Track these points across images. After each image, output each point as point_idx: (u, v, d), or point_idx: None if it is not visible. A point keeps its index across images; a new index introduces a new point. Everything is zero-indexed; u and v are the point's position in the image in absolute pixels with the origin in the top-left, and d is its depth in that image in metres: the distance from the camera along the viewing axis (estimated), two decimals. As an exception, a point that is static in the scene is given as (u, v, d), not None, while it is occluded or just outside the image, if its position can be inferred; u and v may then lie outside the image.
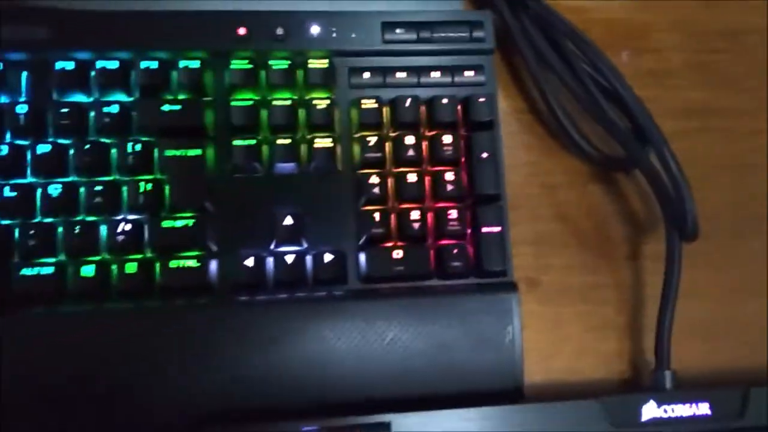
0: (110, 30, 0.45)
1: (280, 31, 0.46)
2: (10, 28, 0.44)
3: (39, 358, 0.41)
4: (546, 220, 0.50)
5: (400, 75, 0.47)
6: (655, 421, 0.43)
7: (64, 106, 0.43)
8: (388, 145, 0.46)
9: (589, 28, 0.49)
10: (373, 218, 0.44)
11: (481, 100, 0.46)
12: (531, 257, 0.49)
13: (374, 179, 0.45)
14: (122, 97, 0.45)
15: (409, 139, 0.45)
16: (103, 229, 0.43)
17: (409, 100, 0.46)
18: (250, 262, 0.43)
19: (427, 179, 0.46)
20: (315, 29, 0.46)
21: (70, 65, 0.44)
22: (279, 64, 0.45)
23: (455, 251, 0.45)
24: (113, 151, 0.44)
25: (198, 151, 0.44)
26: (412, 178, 0.45)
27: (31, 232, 0.42)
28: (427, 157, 0.46)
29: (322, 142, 0.45)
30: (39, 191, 0.43)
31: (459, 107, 0.47)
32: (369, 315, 0.43)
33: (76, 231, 0.42)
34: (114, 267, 0.42)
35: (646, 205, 0.50)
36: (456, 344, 0.44)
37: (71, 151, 0.43)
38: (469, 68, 0.48)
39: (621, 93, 0.44)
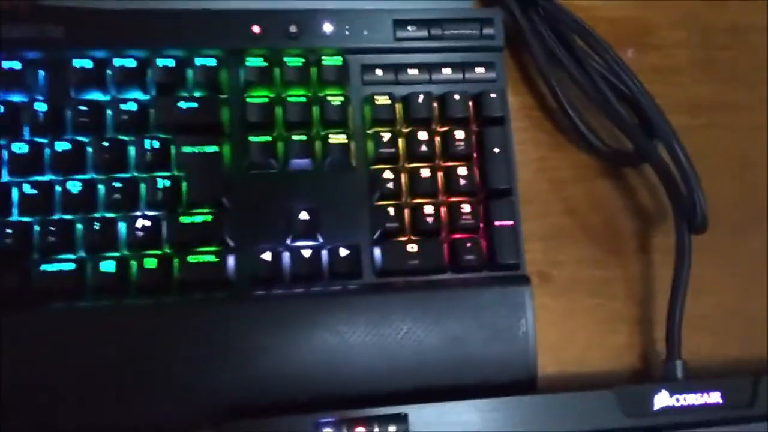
0: (126, 29, 0.46)
1: (293, 29, 0.47)
2: (27, 27, 0.45)
3: (59, 352, 0.41)
4: (556, 215, 0.51)
5: (412, 72, 0.48)
6: (667, 410, 0.43)
7: (82, 103, 0.44)
8: (401, 141, 0.47)
9: (595, 26, 0.49)
10: (388, 213, 0.45)
11: (493, 95, 0.47)
12: (542, 252, 0.50)
13: (388, 174, 0.45)
14: (139, 95, 0.45)
15: (422, 135, 0.46)
16: (122, 226, 0.43)
17: (421, 97, 0.46)
18: (267, 256, 0.44)
19: (439, 174, 0.46)
20: (328, 27, 0.47)
21: (87, 63, 0.44)
22: (293, 61, 0.46)
23: (468, 245, 0.45)
24: (131, 148, 0.44)
25: (215, 148, 0.44)
26: (425, 173, 0.46)
27: (51, 228, 0.42)
28: (440, 152, 0.47)
29: (337, 139, 0.45)
30: (58, 188, 0.43)
31: (470, 103, 0.47)
32: (384, 308, 0.44)
33: (96, 227, 0.43)
34: (133, 263, 0.43)
35: (654, 199, 0.51)
36: (470, 337, 0.44)
37: (89, 149, 0.44)
38: (479, 65, 0.48)
39: (631, 87, 0.45)
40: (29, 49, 0.45)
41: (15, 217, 0.43)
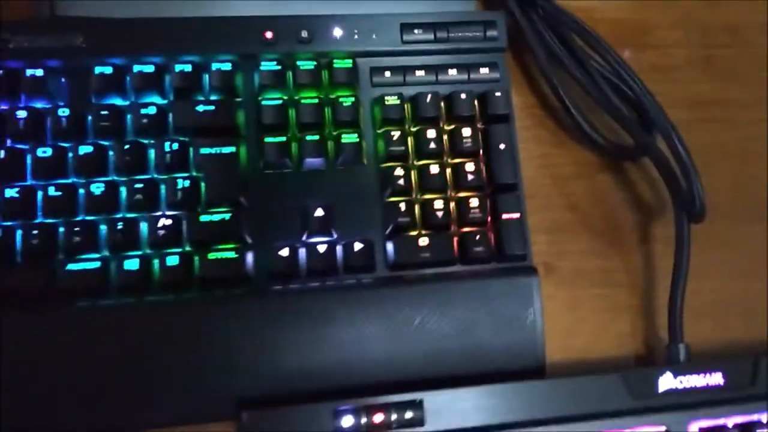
0: (142, 37, 0.47)
1: (304, 34, 0.48)
2: (48, 37, 0.46)
3: (84, 350, 0.43)
4: (559, 209, 0.52)
5: (419, 73, 0.50)
6: (672, 392, 0.45)
7: (103, 108, 0.46)
8: (410, 140, 0.48)
9: (594, 27, 0.51)
10: (399, 208, 0.47)
11: (498, 94, 0.49)
12: (546, 245, 0.51)
13: (399, 171, 0.47)
14: (157, 99, 0.47)
15: (431, 133, 0.48)
16: (144, 226, 0.45)
17: (429, 96, 0.48)
18: (284, 252, 0.45)
19: (447, 170, 0.48)
20: (338, 31, 0.49)
21: (108, 70, 0.46)
22: (305, 65, 0.48)
23: (477, 238, 0.47)
24: (151, 150, 0.46)
25: (232, 149, 0.46)
26: (434, 169, 0.47)
27: (75, 229, 0.44)
28: (448, 149, 0.49)
29: (349, 138, 0.47)
30: (81, 190, 0.45)
31: (476, 102, 0.49)
32: (397, 300, 0.46)
33: (119, 227, 0.44)
34: (155, 261, 0.44)
35: (653, 191, 0.53)
36: (480, 326, 0.46)
37: (111, 152, 0.45)
38: (484, 65, 0.50)
39: (630, 85, 0.47)
40: (51, 57, 0.46)
41: (40, 219, 0.44)
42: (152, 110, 0.46)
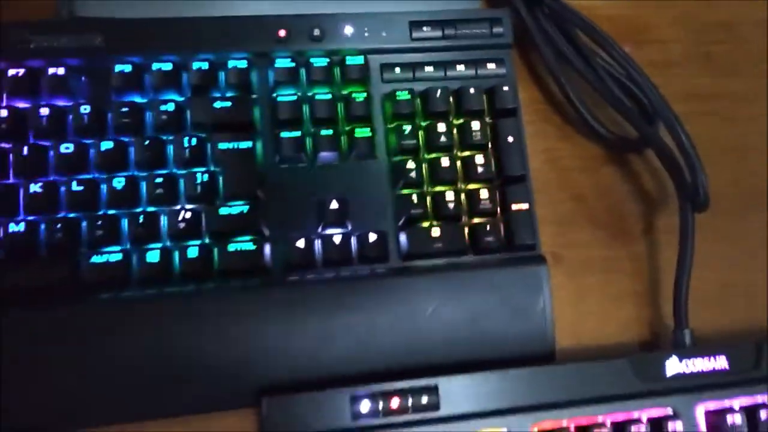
0: (159, 36, 0.49)
1: (317, 32, 0.50)
2: (68, 37, 0.48)
3: (107, 341, 0.44)
4: (565, 201, 0.54)
5: (428, 69, 0.51)
6: (678, 376, 0.46)
7: (123, 105, 0.47)
8: (420, 134, 0.50)
9: (595, 24, 0.53)
10: (411, 200, 0.48)
11: (505, 89, 0.50)
12: (553, 236, 0.53)
13: (410, 164, 0.48)
14: (174, 96, 0.48)
15: (441, 127, 0.49)
16: (164, 219, 0.46)
17: (439, 91, 0.50)
18: (300, 243, 0.46)
19: (458, 163, 0.49)
20: (348, 29, 0.50)
21: (127, 68, 0.47)
22: (318, 61, 0.49)
23: (488, 228, 0.48)
24: (169, 146, 0.47)
25: (249, 144, 0.47)
26: (445, 162, 0.49)
27: (98, 223, 0.45)
28: (457, 142, 0.50)
29: (361, 133, 0.49)
30: (103, 185, 0.46)
31: (484, 97, 0.51)
32: (410, 289, 0.47)
33: (140, 221, 0.45)
34: (176, 253, 0.45)
35: (657, 183, 0.54)
36: (492, 314, 0.47)
37: (131, 148, 0.47)
38: (491, 61, 0.52)
39: (635, 77, 0.48)
40: (71, 57, 0.47)
41: (63, 213, 0.45)
42: (171, 107, 0.47)
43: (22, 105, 0.46)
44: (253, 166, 0.47)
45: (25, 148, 0.45)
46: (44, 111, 0.46)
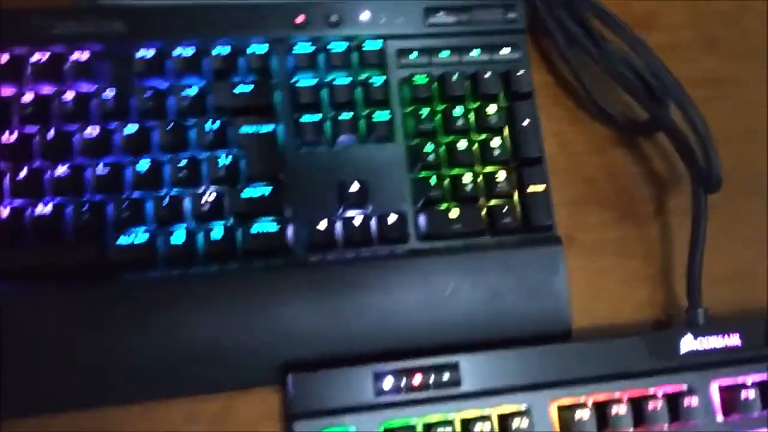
0: (180, 22, 0.49)
1: (334, 18, 0.51)
2: (90, 23, 0.48)
3: (134, 320, 0.45)
4: (576, 184, 0.55)
5: (444, 54, 0.52)
6: (692, 353, 0.47)
7: (145, 90, 0.47)
8: (437, 117, 0.50)
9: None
10: (429, 182, 0.49)
11: (520, 72, 0.51)
12: (566, 217, 0.53)
13: (428, 147, 0.49)
14: (195, 81, 0.49)
15: (458, 110, 0.50)
16: (188, 201, 0.47)
17: (456, 75, 0.50)
18: (322, 225, 0.47)
19: (474, 146, 0.50)
20: (365, 15, 0.51)
21: (149, 53, 0.48)
22: (337, 46, 0.50)
23: (505, 209, 0.49)
24: (192, 130, 0.48)
25: (270, 127, 0.48)
26: (462, 145, 0.50)
27: (123, 205, 0.46)
28: (474, 125, 0.51)
29: (380, 116, 0.49)
30: (128, 168, 0.46)
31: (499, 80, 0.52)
32: (429, 269, 0.48)
33: (165, 203, 0.46)
34: (200, 234, 0.46)
35: (667, 165, 0.55)
36: (509, 293, 0.48)
37: (154, 131, 0.47)
38: (505, 46, 0.52)
39: (648, 59, 0.49)
40: (93, 42, 0.48)
41: (88, 196, 0.46)
42: (194, 91, 0.48)
43: (46, 90, 0.47)
44: (274, 149, 0.48)
45: (51, 131, 0.46)
46: (68, 96, 0.47)
